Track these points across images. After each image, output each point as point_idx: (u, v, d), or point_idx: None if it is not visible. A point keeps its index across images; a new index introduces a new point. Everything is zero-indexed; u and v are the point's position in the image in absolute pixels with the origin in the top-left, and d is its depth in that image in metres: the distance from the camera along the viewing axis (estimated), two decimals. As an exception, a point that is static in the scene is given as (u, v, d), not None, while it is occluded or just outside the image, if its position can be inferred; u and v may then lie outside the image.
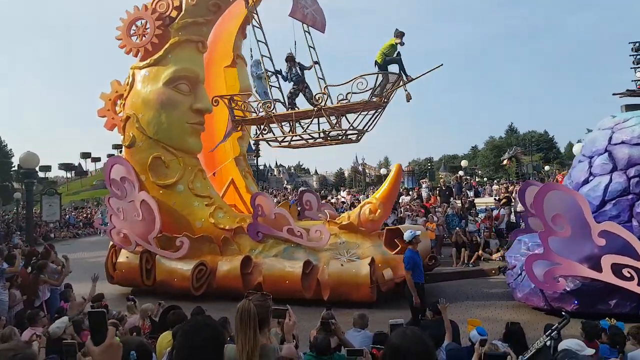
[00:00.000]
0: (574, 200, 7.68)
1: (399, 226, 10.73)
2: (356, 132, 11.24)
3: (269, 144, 12.55)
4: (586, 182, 8.69)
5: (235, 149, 13.93)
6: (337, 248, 10.30)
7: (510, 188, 26.44)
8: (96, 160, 71.86)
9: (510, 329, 4.82)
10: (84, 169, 69.51)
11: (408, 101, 10.81)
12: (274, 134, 11.71)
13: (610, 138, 8.59)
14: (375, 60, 10.55)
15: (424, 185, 35.66)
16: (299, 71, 11.54)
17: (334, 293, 9.62)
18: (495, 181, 40.99)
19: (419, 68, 10.94)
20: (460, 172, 42.95)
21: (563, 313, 4.56)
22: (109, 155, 71.11)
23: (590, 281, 7.77)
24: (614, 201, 8.28)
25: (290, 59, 11.52)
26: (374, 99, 10.46)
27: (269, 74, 11.78)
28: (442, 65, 10.70)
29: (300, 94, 11.33)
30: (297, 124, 11.39)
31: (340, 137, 11.55)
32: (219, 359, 2.24)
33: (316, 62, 11.58)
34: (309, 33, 11.78)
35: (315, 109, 10.88)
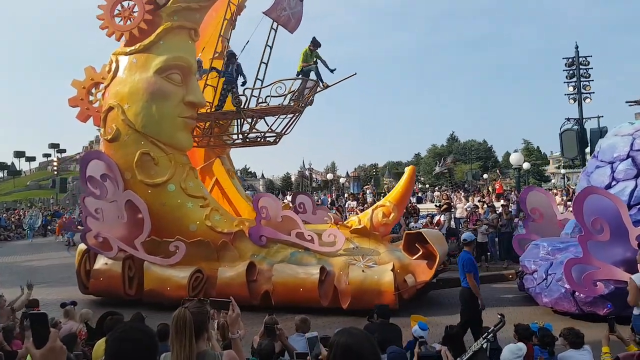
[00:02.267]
0: (612, 204, 7.53)
1: (420, 230, 10.20)
2: (274, 134, 11.51)
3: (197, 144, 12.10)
4: (609, 186, 8.64)
5: (221, 148, 12.77)
6: (351, 253, 9.55)
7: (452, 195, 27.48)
8: (31, 159, 65.81)
9: (449, 332, 4.93)
10: (17, 169, 63.20)
11: (309, 105, 11.44)
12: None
13: (632, 144, 8.61)
14: (297, 71, 11.08)
15: (368, 191, 36.04)
16: (233, 71, 11.04)
17: (355, 301, 8.86)
18: (437, 188, 42.21)
19: (365, 74, 11.60)
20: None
21: (499, 316, 4.62)
22: (45, 155, 65.67)
23: (625, 285, 7.64)
24: (639, 206, 8.26)
25: (230, 56, 11.07)
26: (291, 104, 10.95)
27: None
28: (355, 74, 11.54)
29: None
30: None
31: (258, 139, 11.83)
32: None
33: (264, 63, 11.04)
34: (275, 31, 11.01)
35: (235, 110, 11.11)
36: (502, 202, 18.53)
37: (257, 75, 10.80)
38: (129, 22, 10.67)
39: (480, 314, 6.95)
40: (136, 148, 10.34)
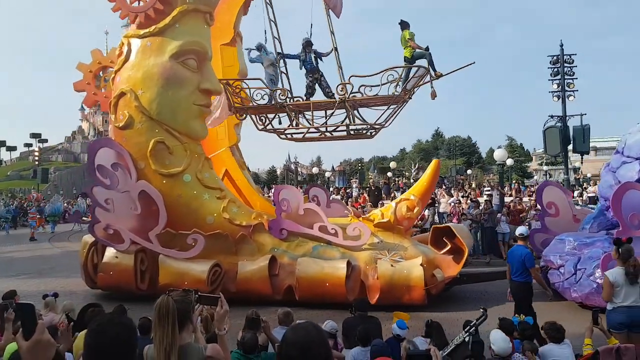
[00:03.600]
0: (650, 199, 7.36)
1: (449, 224, 9.91)
2: (377, 127, 10.53)
3: (279, 136, 11.23)
4: (639, 182, 8.49)
5: (231, 137, 12.23)
6: (376, 248, 9.19)
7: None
8: (12, 149, 63.20)
9: (430, 325, 5.05)
10: (-2, 158, 61.05)
11: (433, 98, 10.19)
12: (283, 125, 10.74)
13: (660, 139, 8.48)
14: (405, 56, 9.99)
15: (354, 185, 35.87)
16: (312, 59, 10.42)
17: (383, 296, 8.51)
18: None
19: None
20: (389, 174, 43.86)
21: (481, 310, 4.63)
22: (27, 145, 63.12)
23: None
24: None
25: (307, 45, 10.39)
26: (398, 92, 9.79)
27: (273, 58, 10.59)
28: (474, 62, 10.44)
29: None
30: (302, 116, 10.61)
31: (362, 132, 10.76)
32: (129, 358, 2.02)
33: (335, 49, 10.51)
34: (329, 17, 10.61)
35: (338, 100, 9.97)
36: (485, 197, 18.54)
37: (338, 64, 10.05)
38: (140, 3, 10.02)
39: (531, 308, 6.71)
40: (150, 136, 9.73)
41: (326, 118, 10.48)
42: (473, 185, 38.42)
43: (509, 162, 38.83)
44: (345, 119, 10.27)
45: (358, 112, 10.49)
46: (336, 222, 9.63)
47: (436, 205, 18.45)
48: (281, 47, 10.85)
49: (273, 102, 10.38)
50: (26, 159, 58.06)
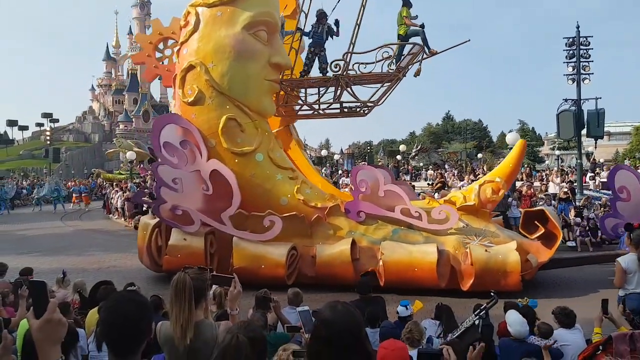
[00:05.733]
0: None
1: (541, 207, 9.30)
2: (371, 104, 10.33)
3: (281, 114, 10.88)
4: None
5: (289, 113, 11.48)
6: (462, 232, 8.59)
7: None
8: (24, 128, 61.85)
9: (439, 308, 5.09)
10: (10, 138, 59.52)
11: (416, 76, 10.01)
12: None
13: None
14: (399, 34, 9.73)
15: None
16: (324, 33, 9.72)
17: (477, 282, 7.93)
18: (431, 167, 41.76)
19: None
20: (398, 156, 43.15)
21: (492, 293, 4.51)
22: (38, 124, 61.76)
23: None
24: None
25: (321, 16, 9.72)
26: (391, 70, 9.61)
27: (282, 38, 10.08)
28: (469, 40, 10.09)
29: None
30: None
31: (355, 109, 10.61)
32: (144, 336, 1.92)
33: (358, 25, 9.81)
34: None
35: (333, 77, 9.73)
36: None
37: (352, 39, 9.43)
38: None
39: None
40: (221, 112, 9.01)
41: (319, 95, 10.26)
42: (484, 169, 37.88)
43: (521, 146, 38.26)
44: (338, 95, 10.05)
45: (351, 89, 10.17)
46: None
47: (446, 189, 17.97)
48: (305, 22, 10.32)
49: None
50: (38, 138, 56.87)
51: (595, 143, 34.78)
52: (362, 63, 9.54)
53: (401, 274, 8.20)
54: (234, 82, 8.98)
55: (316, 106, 10.12)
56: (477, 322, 3.93)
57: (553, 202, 16.18)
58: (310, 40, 9.87)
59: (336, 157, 54.93)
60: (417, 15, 9.72)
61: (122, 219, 20.38)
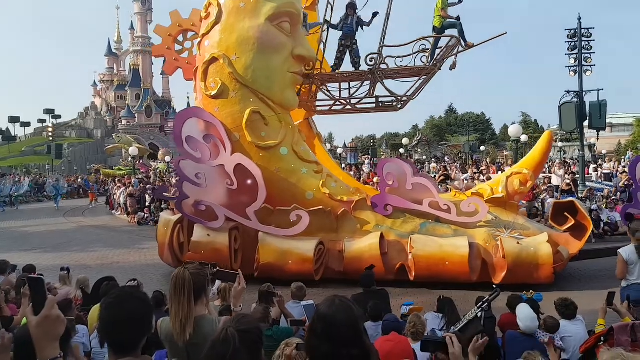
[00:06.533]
0: None
1: (571, 199, 9.14)
2: (406, 99, 10.01)
3: (310, 109, 10.62)
4: None
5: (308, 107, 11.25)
6: (491, 225, 8.42)
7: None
8: (26, 125, 61.11)
9: (442, 301, 5.06)
10: (12, 134, 58.92)
11: (452, 69, 9.72)
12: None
13: None
14: (434, 26, 9.37)
15: (366, 162, 35.06)
16: (354, 24, 9.44)
17: (510, 275, 7.78)
18: (434, 160, 41.57)
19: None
20: (401, 150, 42.93)
21: (494, 286, 4.57)
22: (40, 121, 61.13)
23: None
24: None
25: (351, 6, 9.45)
26: (427, 64, 9.31)
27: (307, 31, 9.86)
28: (505, 33, 9.75)
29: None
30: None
31: (391, 104, 10.26)
32: (145, 332, 1.95)
33: (375, 13, 9.55)
34: None
35: (368, 71, 9.42)
36: (499, 174, 17.84)
37: (383, 32, 9.11)
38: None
39: None
40: (245, 105, 8.79)
41: (349, 90, 10.01)
42: (487, 161, 37.72)
43: (524, 138, 38.09)
44: (371, 90, 9.80)
45: (382, 83, 9.88)
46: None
47: (448, 181, 17.82)
48: (331, 15, 10.05)
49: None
50: (40, 134, 56.38)
51: (598, 135, 34.73)
52: (393, 57, 9.25)
53: (432, 268, 8.04)
54: (258, 74, 8.75)
55: (350, 101, 9.88)
56: (479, 314, 3.72)
57: (556, 194, 16.06)
58: (340, 32, 9.57)
59: (339, 150, 54.78)
60: (460, 1, 9.37)
61: (125, 215, 20.16)
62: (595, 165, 30.51)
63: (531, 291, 5.71)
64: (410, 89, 9.62)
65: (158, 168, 32.80)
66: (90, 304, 5.28)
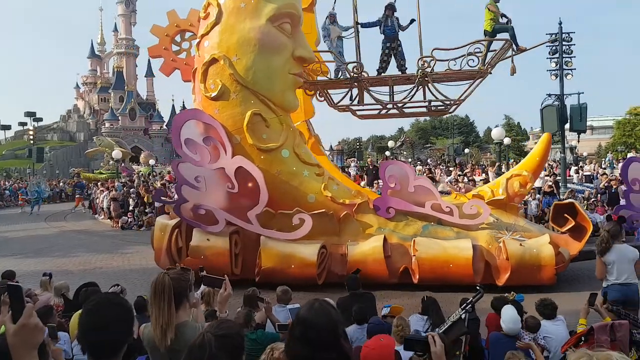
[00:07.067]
0: None
1: (571, 200, 9.19)
2: (457, 103, 9.98)
3: (355, 114, 10.45)
4: None
5: (307, 109, 11.18)
6: (493, 227, 8.42)
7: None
8: (6, 128, 59.40)
9: (426, 303, 5.03)
10: (-8, 138, 57.48)
11: (513, 74, 9.74)
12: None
13: None
14: (485, 30, 9.42)
15: (352, 164, 35.18)
16: (395, 26, 9.50)
17: (513, 276, 7.77)
18: (419, 163, 41.91)
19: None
20: (387, 153, 43.15)
21: (477, 287, 4.14)
22: (21, 124, 59.48)
23: None
24: None
25: (390, 8, 9.48)
26: (478, 67, 9.26)
27: (341, 30, 9.82)
28: (556, 39, 9.68)
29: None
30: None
31: (443, 107, 10.08)
32: (125, 338, 1.90)
33: (412, 20, 9.65)
34: None
35: (420, 74, 9.38)
36: (483, 176, 18.05)
37: (419, 34, 9.22)
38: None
39: None
40: (246, 107, 8.62)
41: (391, 94, 9.93)
42: (472, 163, 38.14)
43: (506, 141, 38.67)
44: (423, 94, 9.64)
45: (434, 86, 9.84)
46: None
47: (434, 183, 17.98)
48: (356, 16, 10.01)
49: (340, 77, 9.85)
50: (21, 138, 54.85)
51: (578, 137, 35.38)
52: (439, 60, 9.26)
53: (436, 271, 7.99)
54: (259, 76, 8.60)
55: (402, 106, 9.91)
56: (463, 316, 3.91)
57: (538, 195, 16.29)
58: (382, 35, 9.62)
59: (326, 153, 54.70)
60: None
61: (108, 220, 19.71)
62: (576, 167, 31.11)
63: (512, 292, 5.75)
64: (464, 92, 9.56)
65: (140, 172, 32.24)
66: (71, 311, 5.17)
